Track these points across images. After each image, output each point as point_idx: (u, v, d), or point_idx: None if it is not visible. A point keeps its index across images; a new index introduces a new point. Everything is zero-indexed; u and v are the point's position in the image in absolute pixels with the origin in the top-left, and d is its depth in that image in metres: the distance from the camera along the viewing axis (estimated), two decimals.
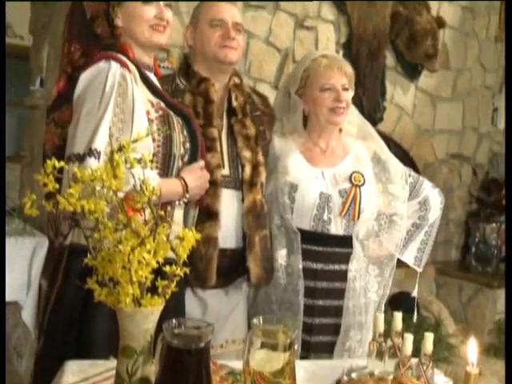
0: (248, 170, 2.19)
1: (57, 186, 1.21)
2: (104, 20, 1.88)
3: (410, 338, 1.58)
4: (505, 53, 3.82)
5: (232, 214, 2.17)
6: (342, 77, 2.33)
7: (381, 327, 1.65)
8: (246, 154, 2.21)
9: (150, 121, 1.84)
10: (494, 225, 4.68)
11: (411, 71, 4.43)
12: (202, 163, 1.98)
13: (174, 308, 1.68)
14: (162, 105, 1.91)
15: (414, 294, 2.54)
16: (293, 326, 1.37)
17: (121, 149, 1.35)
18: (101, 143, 1.71)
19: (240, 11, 2.36)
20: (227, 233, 2.15)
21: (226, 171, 2.18)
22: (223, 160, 2.18)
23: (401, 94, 4.45)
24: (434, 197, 2.49)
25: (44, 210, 1.30)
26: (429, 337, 1.57)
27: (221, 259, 2.12)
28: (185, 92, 2.20)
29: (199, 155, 1.98)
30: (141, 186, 1.26)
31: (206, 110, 2.17)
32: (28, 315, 3.77)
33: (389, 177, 2.39)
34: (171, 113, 1.91)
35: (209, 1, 2.27)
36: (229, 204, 2.16)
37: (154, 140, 1.83)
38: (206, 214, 2.10)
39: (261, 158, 2.24)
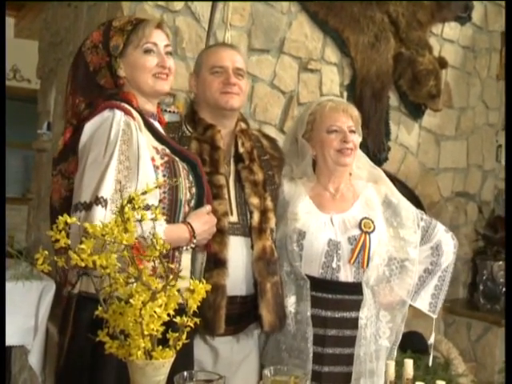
0: (256, 216, 2.19)
1: (68, 241, 1.22)
2: (107, 71, 1.91)
3: None
4: (505, 90, 3.86)
5: (241, 261, 2.16)
6: (348, 119, 2.34)
7: (392, 375, 1.64)
8: (254, 200, 2.20)
9: (156, 167, 1.85)
10: (501, 262, 4.65)
11: (415, 111, 4.45)
12: (208, 208, 1.98)
13: (183, 358, 1.67)
14: (167, 151, 1.92)
15: (431, 340, 2.49)
16: (304, 378, 1.37)
17: (131, 201, 1.36)
18: (107, 191, 1.71)
19: (244, 56, 2.40)
20: (237, 280, 2.14)
21: (234, 218, 2.18)
22: (231, 207, 2.18)
23: (405, 134, 4.47)
24: (447, 241, 2.45)
25: (51, 254, 1.31)
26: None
27: (231, 306, 2.10)
28: (191, 139, 2.22)
29: (205, 200, 1.98)
30: (152, 240, 1.27)
31: (213, 157, 2.17)
32: (35, 359, 3.74)
33: (400, 221, 2.36)
34: (177, 159, 1.93)
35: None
36: (238, 251, 2.16)
37: (159, 187, 1.83)
38: (214, 261, 2.09)
39: (269, 203, 2.24)
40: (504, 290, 4.59)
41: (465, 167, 4.93)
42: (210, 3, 3.43)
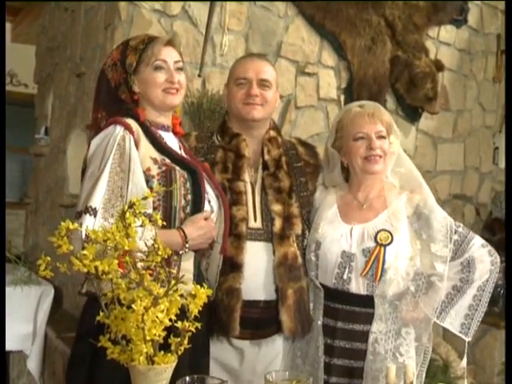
0: (278, 223, 2.21)
1: (71, 247, 1.23)
2: (125, 87, 2.04)
3: None
4: (505, 92, 3.87)
5: (263, 266, 2.19)
6: (376, 124, 2.24)
7: (393, 380, 1.63)
8: (276, 207, 2.23)
9: (151, 177, 1.94)
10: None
11: (412, 114, 4.46)
12: (205, 214, 2.01)
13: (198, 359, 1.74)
14: (167, 161, 1.99)
15: (463, 364, 2.39)
16: (306, 382, 1.37)
17: (131, 206, 1.37)
18: (97, 200, 1.80)
19: (272, 66, 2.41)
20: (258, 285, 2.17)
21: (258, 224, 2.22)
22: (255, 213, 2.22)
23: (402, 137, 4.48)
24: (482, 257, 2.26)
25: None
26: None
27: (251, 310, 2.15)
28: (218, 148, 2.29)
29: (203, 206, 2.01)
30: (153, 245, 1.27)
31: (236, 164, 2.25)
32: (33, 364, 3.74)
33: (431, 234, 2.22)
34: (176, 167, 1.99)
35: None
36: (260, 256, 2.19)
37: (155, 193, 1.88)
38: (230, 265, 2.13)
39: (295, 209, 2.26)
40: (502, 292, 4.60)
41: (462, 170, 4.94)
42: (207, 8, 3.43)
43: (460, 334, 2.24)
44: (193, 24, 3.55)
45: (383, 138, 2.25)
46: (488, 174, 5.15)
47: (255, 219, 2.21)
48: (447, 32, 4.69)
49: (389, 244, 2.17)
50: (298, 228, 2.25)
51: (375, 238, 2.18)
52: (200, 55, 3.43)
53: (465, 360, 2.35)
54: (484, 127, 5.09)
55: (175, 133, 2.14)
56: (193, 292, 1.33)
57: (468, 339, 2.25)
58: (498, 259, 2.30)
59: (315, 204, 2.35)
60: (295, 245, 2.23)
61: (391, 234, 2.18)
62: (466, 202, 5.00)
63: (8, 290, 3.57)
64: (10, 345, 3.64)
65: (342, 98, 4.07)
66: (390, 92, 4.32)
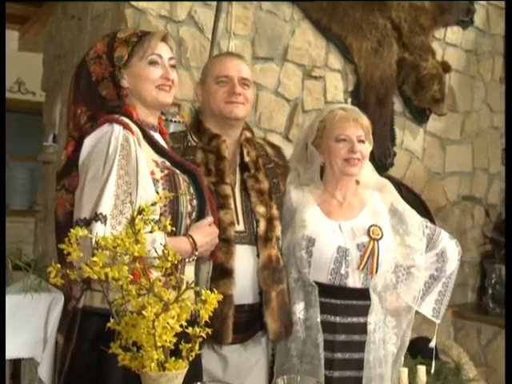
0: (262, 225, 2.19)
1: (80, 254, 1.23)
2: (109, 82, 1.92)
3: None
4: (505, 93, 3.86)
5: (248, 270, 2.16)
6: (358, 129, 2.33)
7: (405, 382, 1.63)
8: (260, 209, 2.21)
9: (156, 181, 1.85)
10: None
11: (419, 116, 4.46)
12: (210, 219, 1.97)
13: (192, 368, 1.68)
14: (168, 164, 1.92)
15: (432, 344, 2.52)
16: None
17: (140, 212, 1.37)
18: (106, 207, 1.71)
19: (249, 65, 2.40)
20: (244, 289, 2.14)
21: (240, 227, 2.18)
22: (237, 216, 2.18)
23: (410, 139, 4.47)
24: (451, 248, 2.48)
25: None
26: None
27: (238, 315, 2.11)
28: (196, 149, 2.22)
29: (207, 211, 1.98)
30: (163, 252, 1.27)
31: (218, 166, 2.18)
32: (44, 371, 3.73)
33: (406, 229, 2.39)
34: (177, 171, 1.93)
35: None
36: (245, 260, 2.16)
37: (164, 198, 1.81)
38: (221, 271, 2.09)
39: (275, 211, 2.24)
40: None
41: (470, 171, 4.93)
42: (213, 13, 3.44)
43: (432, 318, 2.46)
44: (199, 29, 3.56)
45: (362, 142, 2.35)
46: (497, 174, 5.13)
47: (238, 222, 2.17)
48: (453, 33, 4.68)
49: (381, 238, 2.29)
50: (278, 230, 2.24)
51: (368, 232, 2.28)
52: (206, 60, 3.43)
53: (434, 340, 2.53)
54: (492, 128, 5.08)
55: (160, 133, 2.04)
56: (203, 297, 1.33)
57: (438, 321, 2.47)
58: (461, 250, 2.53)
59: (290, 204, 2.36)
60: (276, 247, 2.21)
61: (381, 229, 2.30)
62: (475, 203, 4.99)
63: (18, 297, 3.57)
64: (20, 352, 3.64)
65: (349, 100, 4.06)
66: (397, 94, 4.32)
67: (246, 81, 2.27)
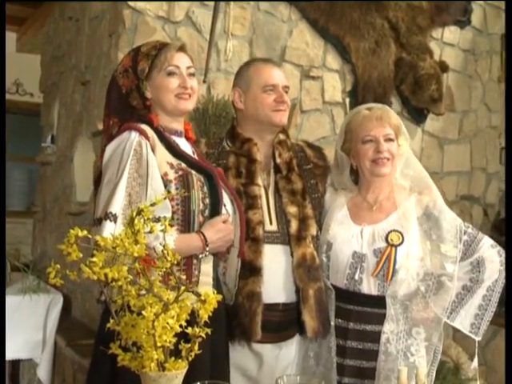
0: (294, 224, 2.23)
1: (80, 255, 1.23)
2: (136, 93, 2.05)
3: None
4: (505, 92, 3.87)
5: (281, 269, 2.20)
6: (385, 127, 2.26)
7: (405, 382, 1.63)
8: (291, 209, 2.25)
9: (169, 181, 1.95)
10: None
11: (417, 115, 4.47)
12: (224, 217, 2.03)
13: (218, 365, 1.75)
14: (183, 165, 2.01)
15: (475, 365, 2.38)
16: None
17: (140, 212, 1.37)
18: (117, 206, 1.82)
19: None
20: (277, 287, 2.19)
21: (274, 227, 2.24)
22: (271, 216, 2.24)
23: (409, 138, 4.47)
24: (491, 257, 2.27)
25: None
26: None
27: (271, 313, 2.16)
28: (229, 154, 2.31)
29: (220, 209, 2.03)
30: (162, 252, 1.27)
31: (249, 169, 2.26)
32: (43, 372, 3.74)
33: (440, 234, 2.25)
34: (193, 172, 2.01)
35: None
36: (278, 259, 2.20)
37: (172, 199, 1.93)
38: (249, 269, 2.14)
39: (309, 211, 2.29)
40: None
41: (469, 170, 4.93)
42: (211, 14, 3.44)
43: (470, 334, 2.25)
44: (197, 30, 3.56)
45: (391, 140, 2.27)
46: (495, 174, 5.13)
47: (271, 222, 2.23)
48: (451, 33, 4.69)
49: (400, 244, 2.19)
50: (313, 229, 2.27)
51: (386, 238, 2.21)
52: (204, 61, 3.44)
53: (476, 360, 2.35)
54: (490, 127, 5.08)
55: (187, 138, 2.15)
56: (203, 297, 1.33)
57: (478, 339, 2.26)
58: (503, 259, 2.29)
59: (325, 206, 2.36)
60: (311, 245, 2.24)
61: (402, 235, 2.21)
62: (473, 202, 4.99)
63: (17, 298, 3.58)
64: (19, 353, 3.65)
65: (347, 100, 4.07)
66: (395, 94, 4.32)
67: (287, 89, 2.35)
